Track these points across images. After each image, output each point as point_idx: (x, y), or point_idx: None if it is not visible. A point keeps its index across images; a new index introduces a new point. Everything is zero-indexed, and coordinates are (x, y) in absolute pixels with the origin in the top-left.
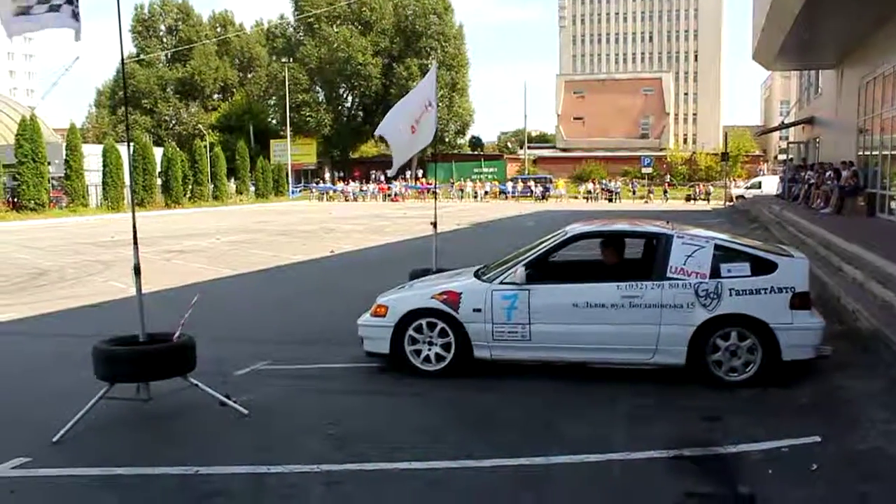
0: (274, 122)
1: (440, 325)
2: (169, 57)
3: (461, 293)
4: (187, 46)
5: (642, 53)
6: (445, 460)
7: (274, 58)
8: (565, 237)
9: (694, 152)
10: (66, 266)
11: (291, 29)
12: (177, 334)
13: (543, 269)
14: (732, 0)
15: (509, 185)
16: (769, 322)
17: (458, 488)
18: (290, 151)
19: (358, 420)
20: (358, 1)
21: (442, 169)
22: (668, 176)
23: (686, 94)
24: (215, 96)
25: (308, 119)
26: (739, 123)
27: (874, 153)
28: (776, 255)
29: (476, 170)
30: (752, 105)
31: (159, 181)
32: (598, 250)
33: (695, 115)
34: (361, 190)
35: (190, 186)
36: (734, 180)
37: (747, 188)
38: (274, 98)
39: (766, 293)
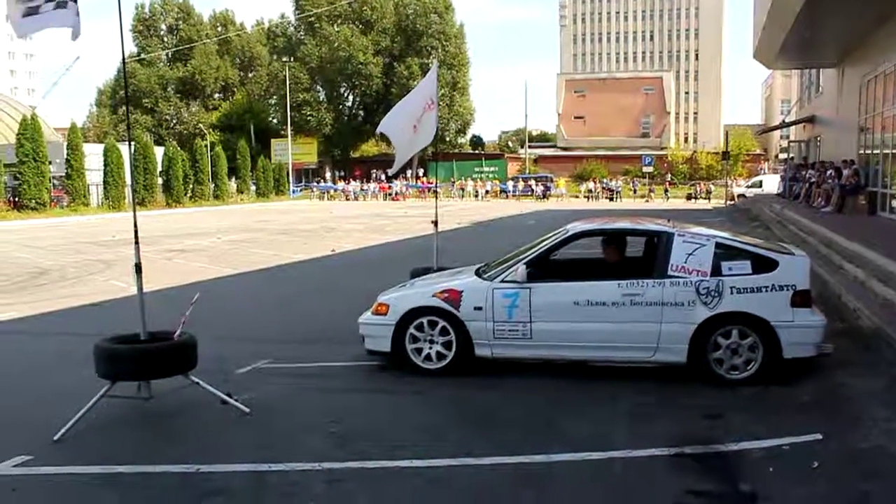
0: (275, 121)
1: (441, 323)
2: (170, 56)
3: (462, 291)
4: (188, 46)
5: (643, 52)
6: (446, 458)
7: (275, 57)
8: (566, 235)
9: (695, 151)
10: (67, 265)
11: (292, 28)
12: (177, 332)
13: (544, 268)
14: None
15: (510, 184)
16: (770, 320)
17: (459, 486)
18: (290, 151)
19: (359, 418)
20: (359, 0)
21: (443, 168)
22: (669, 175)
23: (687, 92)
24: (216, 95)
25: (309, 118)
26: (740, 122)
27: (875, 152)
28: (777, 253)
29: (477, 169)
30: (752, 104)
31: (160, 180)
32: (598, 249)
33: (696, 113)
34: (362, 189)
35: (191, 186)
36: (735, 179)
37: (748, 187)
38: (275, 97)
39: (767, 291)
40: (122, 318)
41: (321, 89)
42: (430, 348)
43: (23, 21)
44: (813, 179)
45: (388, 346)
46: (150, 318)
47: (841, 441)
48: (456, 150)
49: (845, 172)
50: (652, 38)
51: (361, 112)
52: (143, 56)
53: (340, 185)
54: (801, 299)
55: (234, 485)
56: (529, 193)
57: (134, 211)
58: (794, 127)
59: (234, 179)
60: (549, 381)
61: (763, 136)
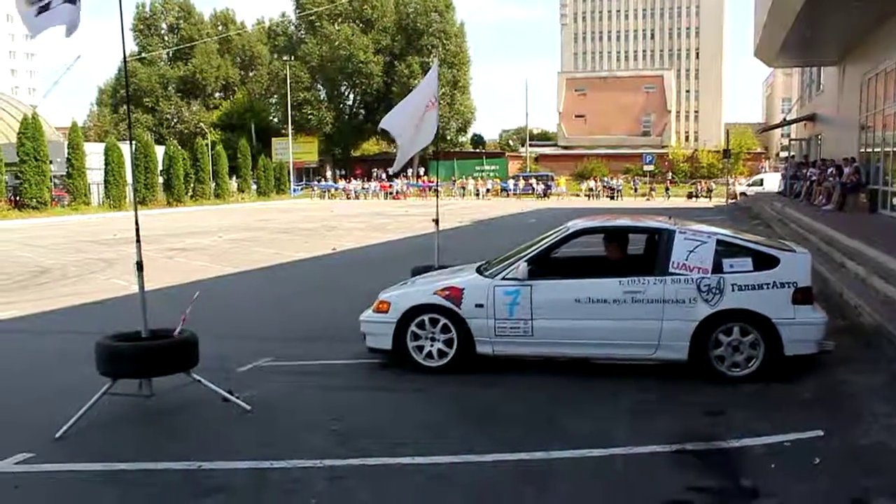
0: (275, 120)
1: (442, 320)
2: (170, 55)
3: (463, 289)
4: (189, 45)
5: (644, 51)
6: (448, 455)
7: (275, 56)
8: (567, 233)
9: (696, 150)
10: (69, 264)
11: (293, 27)
12: (178, 330)
13: (545, 265)
14: None
15: (511, 182)
16: (771, 317)
17: (461, 483)
18: (291, 149)
19: (361, 416)
20: None
21: (444, 167)
22: (670, 173)
23: (688, 91)
24: (217, 94)
25: (309, 117)
26: (741, 121)
27: (876, 150)
28: (778, 250)
29: (478, 167)
30: (753, 102)
31: (161, 179)
32: (599, 247)
33: (696, 112)
34: (363, 188)
35: (192, 185)
36: (736, 178)
37: (749, 185)
38: (275, 96)
39: (768, 288)
40: (124, 316)
41: (322, 88)
42: (432, 346)
43: (37, 19)
44: (814, 177)
45: (390, 343)
46: (151, 316)
47: (842, 437)
48: (457, 149)
49: (846, 170)
50: (653, 36)
51: (362, 111)
52: (143, 55)
53: (341, 183)
54: (802, 296)
55: (236, 482)
56: (530, 192)
57: (135, 209)
58: (794, 125)
59: (234, 178)
60: (550, 378)
61: (764, 135)
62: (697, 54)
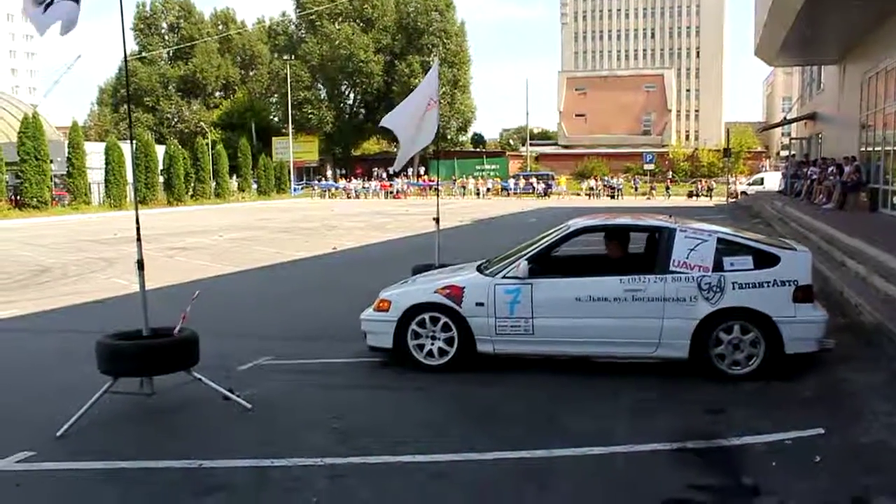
0: (276, 119)
1: (443, 319)
2: (171, 55)
3: (464, 287)
4: (189, 44)
5: (644, 50)
6: (449, 453)
7: (276, 55)
8: (568, 231)
9: (696, 149)
10: (69, 263)
11: (293, 26)
12: (177, 329)
13: (546, 264)
14: None
15: (511, 182)
16: (772, 315)
17: (462, 481)
18: (291, 149)
19: (361, 414)
20: None
21: (444, 166)
22: (671, 172)
23: (688, 90)
24: (217, 94)
25: (310, 116)
26: (742, 120)
27: (877, 149)
28: (779, 248)
29: (478, 167)
30: (754, 101)
31: (161, 179)
32: (600, 245)
33: (697, 111)
34: (363, 187)
35: (192, 184)
36: (737, 177)
37: (750, 184)
38: (276, 95)
39: (768, 286)
40: (124, 315)
41: (322, 87)
42: (432, 344)
43: (44, 16)
44: (814, 176)
45: (390, 342)
46: (151, 315)
47: (843, 436)
48: (457, 149)
49: (847, 169)
50: (653, 35)
51: (362, 110)
52: (144, 54)
53: (341, 183)
54: (802, 294)
55: (237, 480)
56: (531, 191)
57: (136, 208)
58: (795, 124)
59: (235, 178)
60: (550, 376)
61: (764, 134)
62: (698, 53)
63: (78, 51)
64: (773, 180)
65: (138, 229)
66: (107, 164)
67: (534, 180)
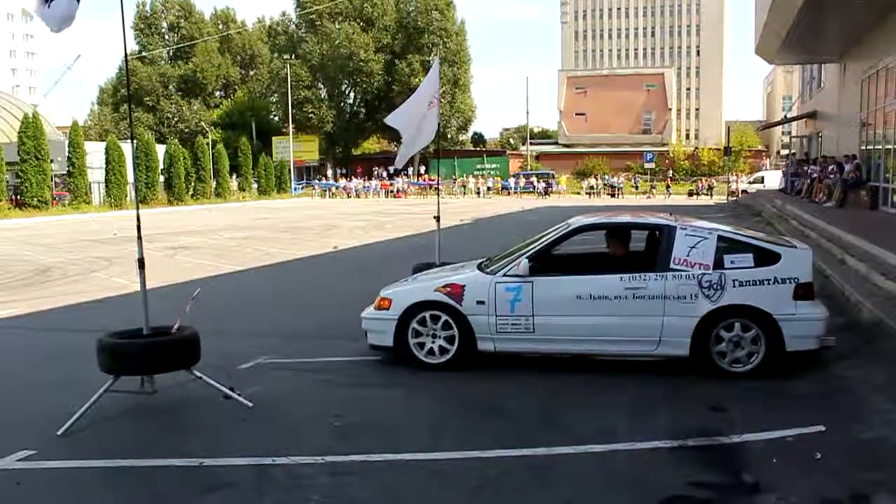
0: (276, 119)
1: (444, 317)
2: (171, 54)
3: (465, 286)
4: (189, 43)
5: (644, 49)
6: (449, 451)
7: (276, 55)
8: (568, 229)
9: (696, 147)
10: (70, 262)
11: (293, 26)
12: (175, 327)
13: (547, 262)
14: None
15: (512, 181)
16: (773, 313)
17: (463, 479)
18: (292, 148)
19: (362, 412)
20: None
21: (444, 165)
22: (671, 171)
23: (688, 89)
24: (217, 93)
25: (310, 116)
26: (742, 118)
27: (877, 147)
28: (779, 245)
29: (479, 166)
30: (754, 100)
31: (162, 178)
32: (601, 243)
33: (697, 110)
34: (364, 186)
35: (192, 183)
36: (737, 175)
37: (750, 183)
38: (276, 95)
39: (769, 284)
40: (125, 314)
41: (322, 87)
42: (433, 343)
43: (49, 11)
44: (815, 175)
45: (391, 340)
46: (152, 314)
47: (844, 433)
48: (457, 148)
49: (847, 167)
50: (653, 34)
51: (363, 109)
52: (144, 54)
53: (342, 182)
54: (803, 292)
55: (238, 478)
56: (531, 190)
57: (137, 207)
58: (795, 122)
59: (235, 177)
60: (551, 374)
61: (765, 133)
62: (698, 52)
63: (78, 51)
64: (773, 179)
65: (139, 228)
66: (107, 163)
67: (534, 179)
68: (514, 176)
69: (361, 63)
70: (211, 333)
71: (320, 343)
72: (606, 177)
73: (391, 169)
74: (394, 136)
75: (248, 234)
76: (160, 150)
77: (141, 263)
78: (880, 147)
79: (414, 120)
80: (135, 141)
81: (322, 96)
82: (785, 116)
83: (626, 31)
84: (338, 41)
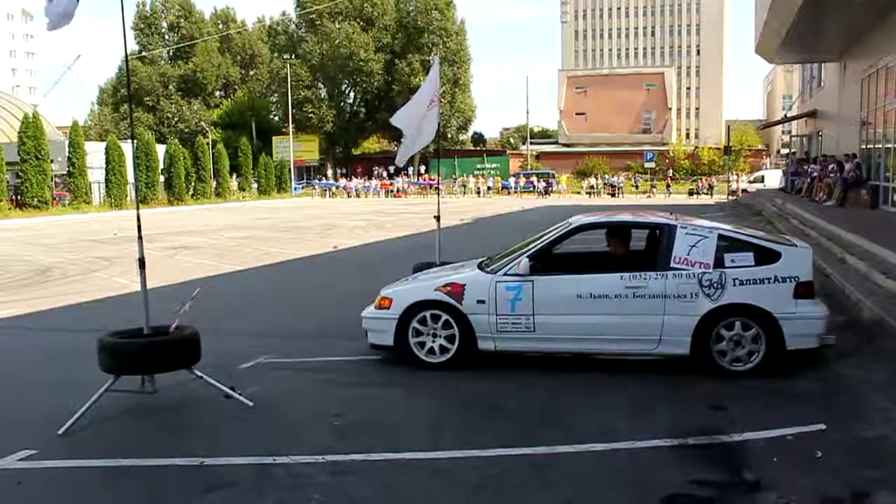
0: (276, 118)
1: (444, 316)
2: (171, 54)
3: (465, 285)
4: (189, 43)
5: (644, 48)
6: (450, 450)
7: (276, 54)
8: (569, 228)
9: (696, 147)
10: (70, 262)
11: (293, 25)
12: (173, 326)
13: (547, 261)
14: None
15: (512, 180)
16: (773, 311)
17: (463, 478)
18: (292, 148)
19: (363, 412)
20: None
21: (444, 165)
22: (671, 170)
23: (689, 88)
24: (217, 93)
25: (310, 116)
26: (742, 118)
27: (877, 146)
28: (780, 244)
29: (479, 165)
30: (754, 99)
31: (162, 178)
32: (601, 242)
33: (697, 109)
34: (364, 186)
35: (193, 183)
36: (738, 175)
37: (750, 182)
38: (276, 95)
39: (769, 283)
40: (125, 314)
41: (322, 86)
42: (433, 342)
43: (52, 6)
44: (815, 174)
45: (392, 340)
46: (153, 314)
47: (844, 431)
48: (457, 147)
49: (847, 166)
50: (653, 33)
51: (363, 109)
52: (144, 54)
53: (342, 182)
54: (803, 291)
55: (238, 478)
56: (531, 190)
57: (137, 207)
58: (795, 122)
59: (235, 177)
60: (552, 373)
61: (765, 132)
62: (698, 51)
63: (78, 51)
64: (773, 178)
65: (139, 228)
66: (107, 163)
67: (534, 179)
68: (514, 175)
69: (361, 63)
70: (211, 333)
71: (320, 342)
72: (606, 176)
73: (391, 168)
74: (394, 135)
75: (248, 234)
76: (160, 150)
77: (141, 263)
78: (880, 146)
79: (415, 120)
80: (135, 141)
81: (322, 96)
82: (785, 115)
83: (626, 30)
84: (338, 41)
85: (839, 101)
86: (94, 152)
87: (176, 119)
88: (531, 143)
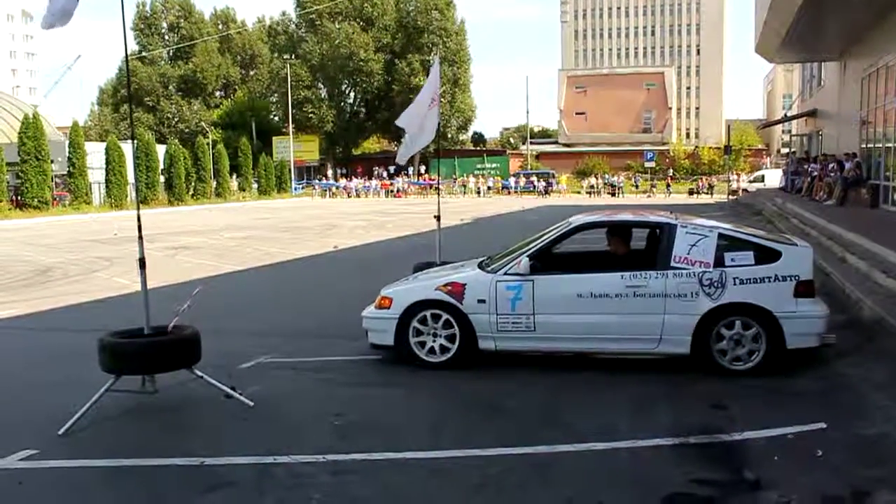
0: (276, 119)
1: (444, 316)
2: (171, 54)
3: (465, 284)
4: (189, 43)
5: (644, 48)
6: (451, 450)
7: (276, 55)
8: (569, 227)
9: (697, 146)
10: (70, 263)
11: (293, 25)
12: (171, 326)
13: (547, 260)
14: None
15: (512, 180)
16: (773, 310)
17: (464, 477)
18: (292, 148)
19: (363, 411)
20: None
21: (444, 165)
22: (671, 170)
23: (689, 88)
24: (217, 93)
25: (310, 116)
26: (742, 117)
27: (877, 145)
28: (780, 243)
29: (479, 165)
30: (754, 99)
31: (162, 178)
32: (601, 242)
33: (697, 109)
34: (364, 186)
35: (193, 183)
36: (738, 174)
37: (750, 181)
38: (276, 95)
39: (770, 282)
40: (126, 314)
41: (322, 87)
42: (434, 341)
43: (52, 4)
44: (815, 173)
45: (392, 339)
46: (153, 314)
47: (845, 430)
48: (457, 147)
49: (847, 165)
50: (653, 33)
51: (363, 109)
52: (144, 54)
53: (342, 182)
54: (804, 290)
55: (239, 477)
56: (531, 189)
57: (137, 207)
58: (795, 121)
59: (235, 177)
60: (552, 373)
61: (765, 131)
62: (698, 51)
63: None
64: (773, 177)
65: (140, 228)
66: (107, 164)
67: (534, 178)
68: (514, 175)
69: (361, 63)
70: (211, 333)
71: (321, 342)
72: (607, 176)
73: (391, 168)
74: (394, 135)
75: (248, 234)
76: (160, 150)
77: (142, 263)
78: (880, 145)
79: (416, 119)
80: (135, 141)
81: (322, 96)
82: (785, 115)
83: (625, 30)
84: (338, 41)
85: (839, 101)
86: (95, 153)
87: (176, 119)
88: (531, 142)
